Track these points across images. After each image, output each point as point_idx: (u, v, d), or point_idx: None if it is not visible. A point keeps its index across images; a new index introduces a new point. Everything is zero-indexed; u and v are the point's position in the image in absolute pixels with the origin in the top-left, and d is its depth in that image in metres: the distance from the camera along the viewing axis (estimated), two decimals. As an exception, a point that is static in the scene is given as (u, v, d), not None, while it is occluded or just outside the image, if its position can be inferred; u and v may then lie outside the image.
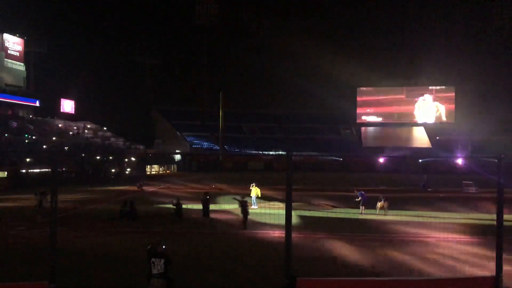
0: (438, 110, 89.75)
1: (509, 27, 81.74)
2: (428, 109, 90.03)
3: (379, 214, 23.12)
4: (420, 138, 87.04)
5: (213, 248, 15.40)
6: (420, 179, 41.63)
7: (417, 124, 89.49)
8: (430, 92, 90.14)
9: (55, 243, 6.63)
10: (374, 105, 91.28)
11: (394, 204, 24.93)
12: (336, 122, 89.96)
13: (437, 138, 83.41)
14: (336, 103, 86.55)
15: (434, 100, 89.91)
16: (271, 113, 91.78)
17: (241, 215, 19.94)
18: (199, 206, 22.84)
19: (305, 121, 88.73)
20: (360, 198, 23.72)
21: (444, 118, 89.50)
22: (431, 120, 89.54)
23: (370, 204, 23.91)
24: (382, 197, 23.69)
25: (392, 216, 22.69)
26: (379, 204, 23.43)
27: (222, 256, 14.30)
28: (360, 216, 22.92)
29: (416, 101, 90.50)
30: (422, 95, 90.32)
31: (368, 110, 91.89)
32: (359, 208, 23.63)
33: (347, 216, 23.32)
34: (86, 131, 70.25)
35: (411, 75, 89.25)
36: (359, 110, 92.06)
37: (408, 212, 23.92)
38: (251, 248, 15.59)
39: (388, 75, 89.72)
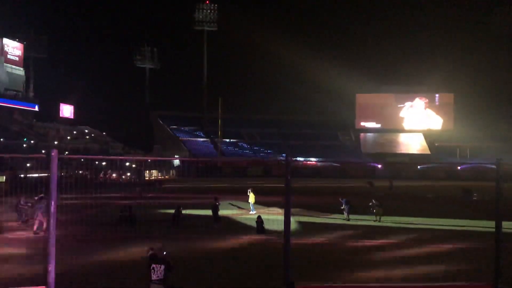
0: (431, 117, 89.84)
1: (507, 34, 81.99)
2: (423, 115, 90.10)
3: (376, 220, 23.15)
4: (418, 144, 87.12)
5: (213, 254, 15.36)
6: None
7: (415, 131, 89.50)
8: (428, 98, 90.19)
9: (53, 247, 6.60)
10: (373, 112, 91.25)
11: (393, 211, 25.00)
12: (335, 128, 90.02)
13: (436, 144, 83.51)
14: (335, 109, 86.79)
15: (430, 107, 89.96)
16: (270, 119, 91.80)
17: None
18: (203, 212, 22.80)
19: (304, 127, 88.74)
20: (343, 205, 23.99)
21: (439, 125, 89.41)
22: (426, 126, 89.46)
23: (359, 210, 24.20)
24: (374, 203, 23.70)
25: (380, 223, 22.74)
26: (375, 210, 23.47)
27: (221, 262, 14.27)
28: (347, 222, 23.10)
29: (411, 108, 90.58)
30: (421, 101, 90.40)
31: (366, 117, 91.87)
32: (344, 215, 23.95)
33: (332, 221, 23.42)
34: (86, 137, 70.26)
35: (410, 82, 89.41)
36: (358, 116, 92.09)
37: (402, 219, 24.03)
38: (250, 254, 15.56)
39: (387, 82, 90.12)
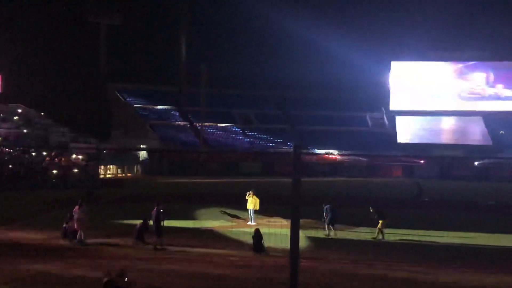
0: (495, 94, 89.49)
1: None
2: (483, 92, 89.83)
3: (377, 237, 23.05)
4: (476, 132, 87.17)
5: (196, 281, 15.55)
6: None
7: (472, 113, 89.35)
8: (492, 68, 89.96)
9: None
10: (415, 87, 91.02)
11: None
12: (362, 108, 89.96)
13: (501, 132, 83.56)
14: (361, 83, 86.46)
15: (494, 80, 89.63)
16: (273, 95, 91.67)
17: None
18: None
19: (319, 107, 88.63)
20: (325, 214, 23.74)
21: (506, 106, 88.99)
22: (487, 107, 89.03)
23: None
24: (374, 213, 23.65)
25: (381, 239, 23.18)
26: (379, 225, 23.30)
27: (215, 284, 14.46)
28: (333, 237, 23.38)
29: (468, 82, 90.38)
30: (482, 72, 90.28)
31: (405, 94, 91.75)
32: (326, 228, 23.81)
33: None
34: (16, 117, 70.00)
35: (466, 46, 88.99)
36: (393, 93, 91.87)
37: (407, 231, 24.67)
38: (244, 279, 15.75)
39: (435, 46, 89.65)
